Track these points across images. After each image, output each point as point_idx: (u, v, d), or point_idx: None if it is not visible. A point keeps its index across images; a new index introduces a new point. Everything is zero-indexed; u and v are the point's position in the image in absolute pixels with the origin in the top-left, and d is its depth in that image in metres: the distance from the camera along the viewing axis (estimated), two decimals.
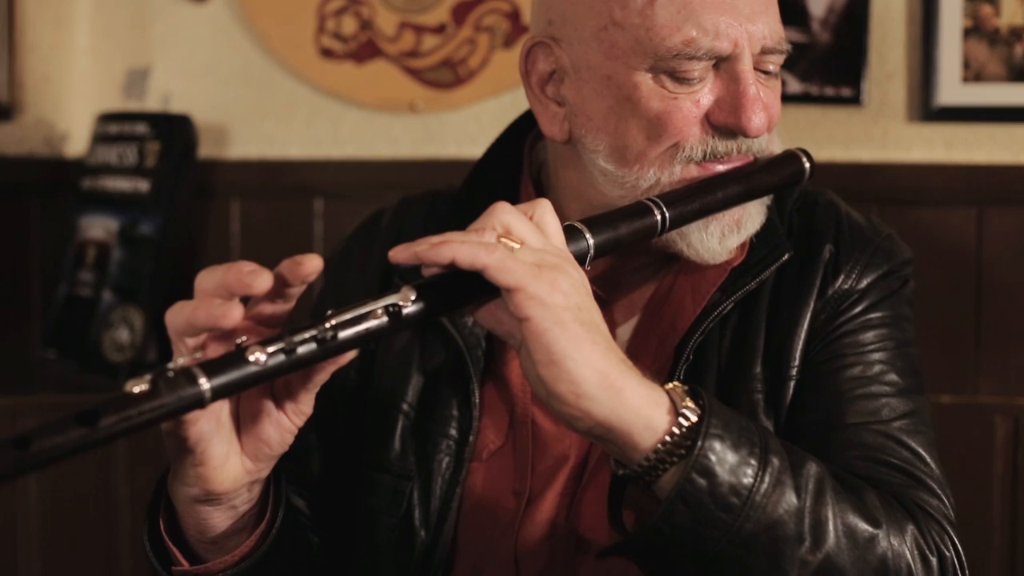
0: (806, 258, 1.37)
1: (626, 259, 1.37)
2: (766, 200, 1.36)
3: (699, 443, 1.09)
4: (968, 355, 2.21)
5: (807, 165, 1.35)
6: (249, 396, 1.11)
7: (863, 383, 1.32)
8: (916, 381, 1.36)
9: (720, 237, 1.31)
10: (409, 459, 1.37)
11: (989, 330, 2.20)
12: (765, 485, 1.12)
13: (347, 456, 1.41)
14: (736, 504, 1.10)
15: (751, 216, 1.33)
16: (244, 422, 1.12)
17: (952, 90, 2.20)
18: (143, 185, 2.42)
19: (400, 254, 1.10)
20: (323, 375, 1.09)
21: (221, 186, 2.47)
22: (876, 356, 1.34)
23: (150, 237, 2.39)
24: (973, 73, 2.19)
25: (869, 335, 1.35)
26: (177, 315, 1.04)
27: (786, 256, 1.36)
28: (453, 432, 1.36)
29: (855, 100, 2.24)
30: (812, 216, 1.41)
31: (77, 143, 2.54)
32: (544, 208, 1.15)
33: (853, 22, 2.23)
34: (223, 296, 1.04)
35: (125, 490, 2.18)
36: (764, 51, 1.29)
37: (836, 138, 2.25)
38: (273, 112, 2.48)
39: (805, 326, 1.34)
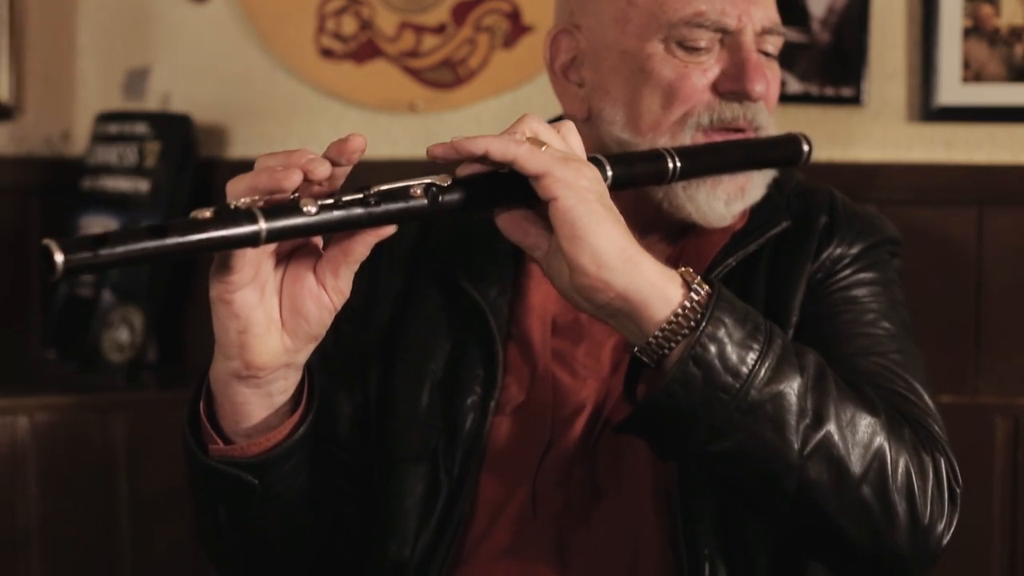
0: (802, 228, 1.48)
1: (639, 235, 1.43)
2: (767, 176, 1.49)
3: (709, 313, 1.18)
4: (968, 355, 2.21)
5: (806, 147, 1.49)
6: (292, 270, 1.19)
7: (859, 326, 1.42)
8: (909, 334, 1.45)
9: (726, 201, 1.44)
10: (436, 411, 1.45)
11: (989, 330, 2.20)
12: (770, 359, 1.20)
13: (376, 412, 1.49)
14: (743, 371, 1.19)
15: (754, 185, 1.47)
16: (286, 297, 1.19)
17: (952, 90, 2.20)
18: (143, 185, 2.43)
19: (437, 149, 1.19)
20: (363, 248, 1.17)
21: (221, 186, 2.44)
22: (869, 307, 1.44)
23: None
24: (973, 73, 2.19)
25: (862, 291, 1.45)
26: (239, 183, 1.15)
27: (784, 224, 1.47)
28: (479, 388, 1.44)
29: (855, 100, 2.24)
30: (808, 199, 1.52)
31: (77, 143, 2.54)
32: (569, 127, 1.25)
33: (853, 22, 2.23)
34: None
35: (125, 490, 2.18)
36: (764, 31, 1.45)
37: (836, 138, 2.26)
38: (273, 112, 2.48)
39: (802, 286, 1.44)
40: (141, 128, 2.45)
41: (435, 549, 1.41)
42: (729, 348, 1.19)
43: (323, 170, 1.13)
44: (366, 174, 2.62)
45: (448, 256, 1.51)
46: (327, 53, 2.45)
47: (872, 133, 2.25)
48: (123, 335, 2.35)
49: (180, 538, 2.19)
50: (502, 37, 2.40)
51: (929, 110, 2.21)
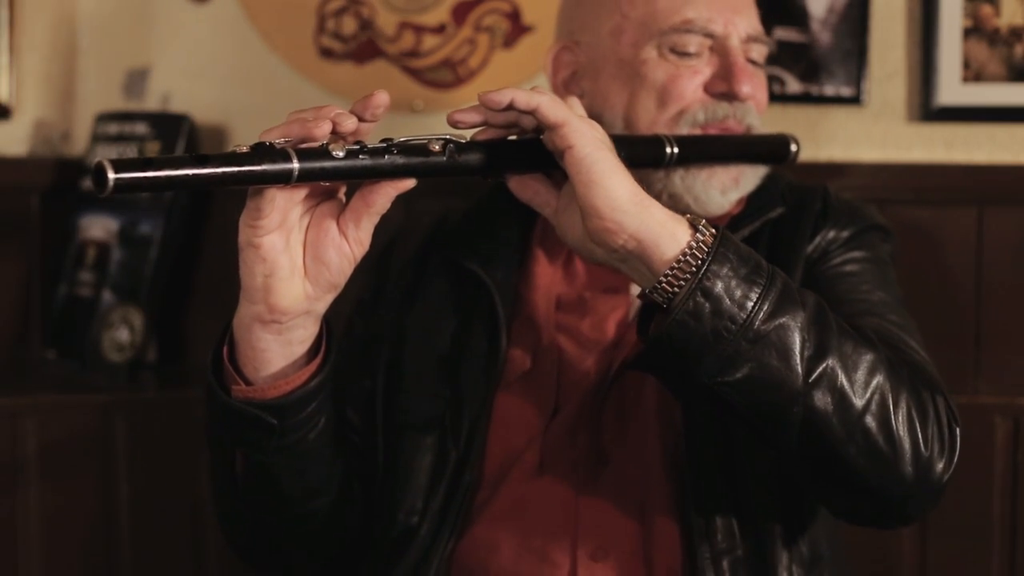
0: (798, 214, 1.58)
1: None
2: (760, 171, 1.61)
3: (715, 251, 1.25)
4: (968, 355, 2.21)
5: (793, 147, 1.64)
6: (317, 220, 1.26)
7: (857, 293, 1.51)
8: (904, 308, 1.51)
9: (722, 190, 1.56)
10: (443, 384, 1.53)
11: (989, 330, 2.20)
12: (773, 294, 1.26)
13: (385, 388, 1.57)
14: (749, 304, 1.25)
15: (748, 176, 1.58)
16: (310, 245, 1.26)
17: (952, 90, 2.20)
18: None
19: (461, 115, 1.30)
20: (384, 199, 1.25)
21: None
22: (865, 279, 1.53)
23: (150, 237, 2.39)
24: (973, 73, 2.19)
25: (856, 267, 1.55)
26: (271, 132, 1.23)
27: (780, 210, 1.58)
28: (483, 360, 1.52)
29: (855, 100, 2.24)
30: (802, 191, 1.63)
31: (77, 143, 2.54)
32: (574, 101, 1.38)
33: (853, 22, 2.23)
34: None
35: (125, 490, 2.18)
36: (749, 38, 1.59)
37: (836, 138, 2.25)
38: (273, 112, 2.46)
39: (800, 267, 1.53)
40: (141, 128, 2.45)
41: (444, 516, 1.46)
42: (734, 283, 1.24)
43: (350, 123, 1.23)
44: None
45: (457, 243, 1.60)
46: (327, 53, 2.45)
47: (872, 133, 2.25)
48: (123, 335, 2.35)
49: (180, 538, 2.19)
50: (502, 37, 2.40)
51: (929, 110, 2.21)
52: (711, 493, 1.42)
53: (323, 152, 1.19)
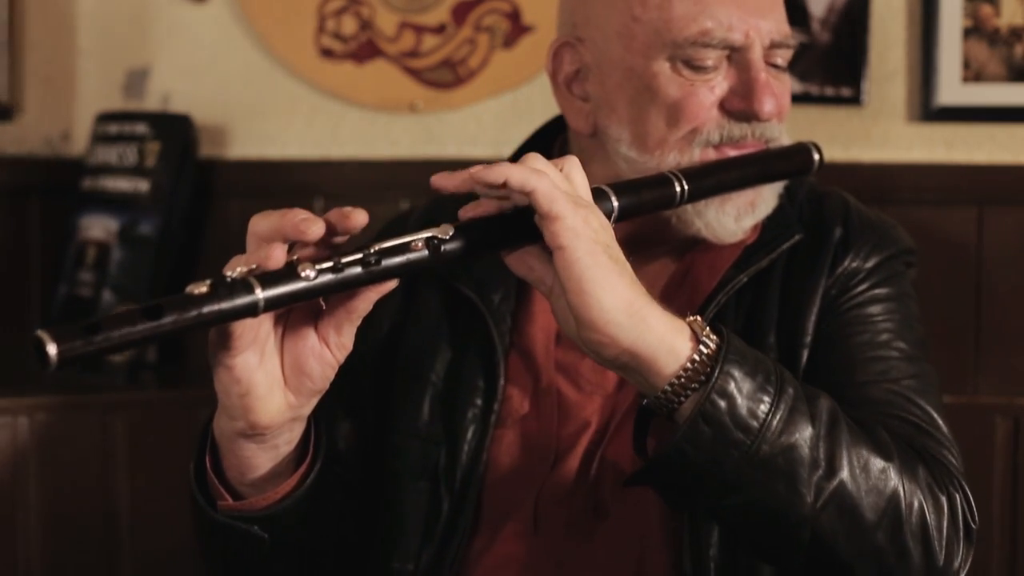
0: (816, 240, 1.45)
1: (646, 247, 1.43)
2: (778, 188, 1.46)
3: (719, 367, 1.16)
4: (968, 355, 2.21)
5: (816, 156, 1.46)
6: (293, 329, 1.16)
7: (873, 348, 1.40)
8: (924, 351, 1.42)
9: (736, 216, 1.41)
10: (437, 425, 1.43)
11: (989, 330, 2.20)
12: (781, 411, 1.18)
13: (375, 425, 1.46)
14: (754, 426, 1.16)
15: (764, 199, 1.44)
16: (288, 356, 1.16)
17: (952, 90, 2.20)
18: (143, 185, 2.42)
19: (446, 180, 1.16)
20: (365, 304, 1.14)
21: (221, 186, 2.47)
22: (884, 326, 1.41)
23: (150, 237, 2.39)
24: (973, 73, 2.19)
25: (876, 308, 1.42)
26: (263, 220, 1.11)
27: (797, 237, 1.44)
28: (479, 401, 1.43)
29: (855, 100, 2.24)
30: (821, 206, 1.49)
31: (77, 143, 2.54)
32: (573, 163, 1.21)
33: (853, 22, 2.23)
34: (276, 240, 1.09)
35: (125, 490, 2.18)
36: (773, 45, 1.42)
37: (836, 138, 2.25)
38: (273, 112, 2.48)
39: (817, 302, 1.41)
40: (141, 128, 2.45)
41: (438, 564, 1.40)
42: (739, 401, 1.16)
43: (316, 231, 1.10)
44: (367, 174, 2.62)
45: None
46: (327, 53, 2.45)
47: (872, 133, 2.25)
48: None
49: (180, 538, 2.19)
50: (502, 37, 2.40)
51: (929, 110, 2.21)
52: (710, 554, 1.35)
53: (291, 274, 1.07)
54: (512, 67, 2.40)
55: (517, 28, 2.40)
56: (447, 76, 2.42)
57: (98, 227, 2.46)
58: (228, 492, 1.26)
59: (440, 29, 2.42)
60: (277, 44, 2.46)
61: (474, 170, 1.15)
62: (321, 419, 1.27)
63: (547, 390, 1.43)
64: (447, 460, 1.42)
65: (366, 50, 2.44)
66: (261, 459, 1.21)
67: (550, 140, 1.55)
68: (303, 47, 2.45)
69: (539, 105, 2.33)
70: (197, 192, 2.44)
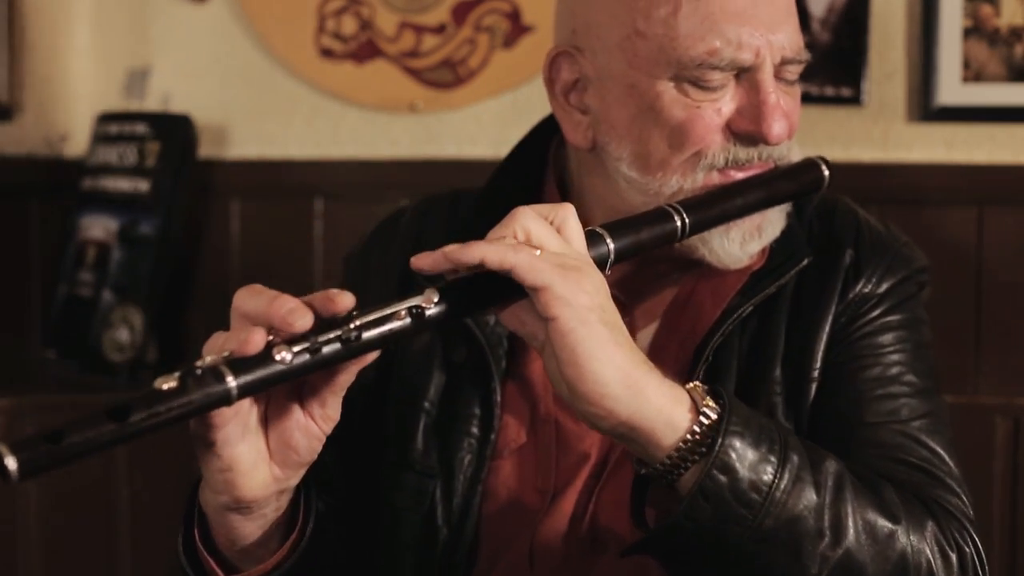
0: (826, 263, 1.39)
1: (647, 265, 1.39)
2: (786, 207, 1.38)
3: (720, 440, 1.11)
4: (968, 355, 2.21)
5: (826, 173, 1.38)
6: (277, 402, 1.11)
7: (882, 383, 1.35)
8: (934, 382, 1.38)
9: (741, 242, 1.34)
10: (432, 456, 1.38)
11: (989, 330, 2.20)
12: (785, 482, 1.14)
13: (366, 454, 1.42)
14: (756, 500, 1.12)
15: (771, 222, 1.36)
16: (272, 429, 1.11)
17: (952, 90, 2.20)
18: (143, 185, 2.43)
19: (422, 261, 1.11)
20: (348, 376, 1.10)
21: (221, 186, 2.47)
22: (895, 357, 1.36)
23: (150, 237, 2.39)
24: (973, 73, 2.19)
25: (888, 337, 1.37)
26: (250, 299, 1.06)
27: (805, 261, 1.38)
28: (475, 430, 1.37)
29: (855, 100, 2.24)
30: (831, 223, 1.43)
31: (77, 143, 2.54)
32: (567, 212, 1.15)
33: (853, 22, 2.23)
34: (260, 324, 1.04)
35: (125, 490, 2.18)
36: (784, 61, 1.32)
37: (836, 138, 2.25)
38: (273, 112, 2.48)
39: (827, 329, 1.36)
40: (141, 128, 2.45)
41: None
42: (742, 475, 1.12)
43: (303, 323, 1.04)
44: (367, 174, 2.62)
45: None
46: (327, 53, 2.45)
47: (872, 133, 2.25)
48: (123, 335, 2.35)
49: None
50: (502, 37, 2.40)
51: (929, 110, 2.21)
52: None
53: (266, 358, 1.02)
54: (512, 67, 2.40)
55: (517, 28, 2.40)
56: (447, 76, 2.42)
57: (98, 227, 2.46)
58: (218, 561, 1.22)
59: (440, 29, 2.42)
60: (277, 44, 2.46)
61: (448, 250, 1.10)
62: (311, 476, 1.21)
63: (545, 420, 1.38)
64: (443, 492, 1.37)
65: (366, 50, 2.44)
66: (249, 528, 1.17)
67: (546, 141, 1.51)
68: (303, 47, 2.45)
69: (539, 105, 2.31)
70: (197, 192, 2.44)
